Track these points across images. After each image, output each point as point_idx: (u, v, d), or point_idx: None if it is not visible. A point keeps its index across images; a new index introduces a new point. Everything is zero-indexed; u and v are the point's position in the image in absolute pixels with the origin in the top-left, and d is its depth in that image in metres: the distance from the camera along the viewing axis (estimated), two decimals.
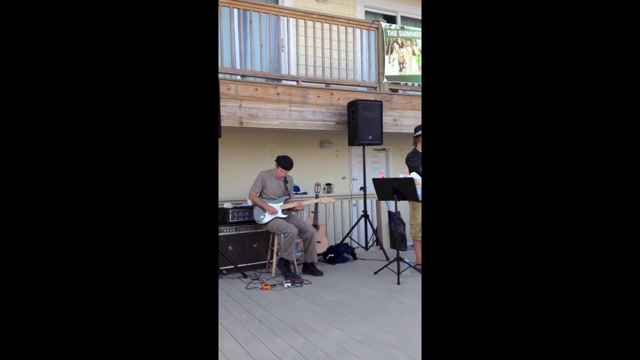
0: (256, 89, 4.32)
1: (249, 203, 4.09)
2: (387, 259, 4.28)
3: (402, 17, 6.40)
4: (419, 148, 3.93)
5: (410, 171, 3.88)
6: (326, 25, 4.85)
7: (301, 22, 4.74)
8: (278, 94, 4.43)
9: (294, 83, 4.69)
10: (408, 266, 3.89)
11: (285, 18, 4.69)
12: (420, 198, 3.65)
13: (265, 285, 3.53)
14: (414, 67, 5.30)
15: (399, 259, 3.68)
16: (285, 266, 3.86)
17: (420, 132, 3.93)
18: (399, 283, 3.55)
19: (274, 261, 3.96)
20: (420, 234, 3.90)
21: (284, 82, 4.72)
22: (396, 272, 3.62)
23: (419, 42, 5.31)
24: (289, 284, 3.57)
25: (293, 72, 4.77)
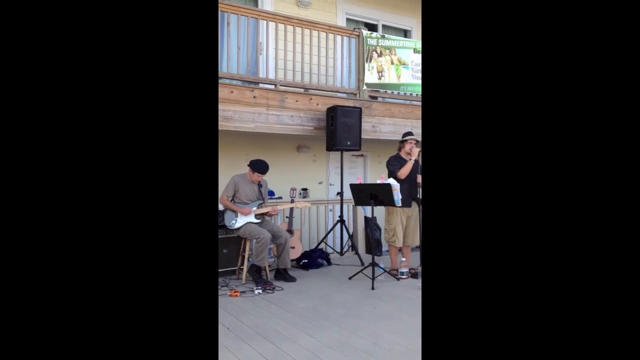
0: (232, 92, 4.23)
1: (221, 208, 3.97)
2: (362, 264, 4.23)
3: (384, 26, 6.46)
4: (403, 154, 4.02)
5: (389, 175, 3.89)
6: (307, 31, 4.81)
7: (281, 26, 4.69)
8: (255, 97, 4.35)
9: (272, 87, 4.63)
10: (383, 271, 3.85)
11: (265, 22, 4.64)
12: (397, 204, 3.64)
13: (235, 292, 3.41)
14: (393, 76, 5.34)
15: (374, 264, 3.63)
16: (256, 272, 3.75)
17: (406, 138, 4.01)
18: (373, 288, 3.50)
19: (245, 267, 3.84)
20: (393, 239, 3.90)
21: (261, 85, 4.65)
22: (371, 277, 3.57)
23: (398, 51, 5.36)
24: (260, 291, 3.46)
25: (271, 76, 4.71)
